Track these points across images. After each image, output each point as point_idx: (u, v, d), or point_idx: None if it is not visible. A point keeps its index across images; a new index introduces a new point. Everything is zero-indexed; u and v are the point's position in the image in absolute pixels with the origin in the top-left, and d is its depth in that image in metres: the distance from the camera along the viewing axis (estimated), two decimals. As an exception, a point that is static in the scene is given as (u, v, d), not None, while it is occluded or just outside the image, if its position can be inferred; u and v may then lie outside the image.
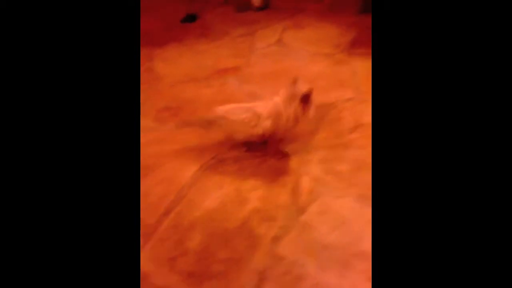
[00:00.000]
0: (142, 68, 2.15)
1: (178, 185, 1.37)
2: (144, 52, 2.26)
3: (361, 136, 1.52)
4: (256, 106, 1.43)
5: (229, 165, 1.45)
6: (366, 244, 1.11)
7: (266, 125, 1.40)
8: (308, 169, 1.40)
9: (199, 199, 1.31)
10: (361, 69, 1.97)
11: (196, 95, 1.90)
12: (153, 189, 1.36)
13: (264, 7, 2.93)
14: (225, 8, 3.01)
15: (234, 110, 1.44)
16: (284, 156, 1.48)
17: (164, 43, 2.48)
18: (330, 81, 1.90)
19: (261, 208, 1.26)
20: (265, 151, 1.49)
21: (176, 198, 1.32)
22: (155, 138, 1.63)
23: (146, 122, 1.73)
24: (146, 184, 1.38)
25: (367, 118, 1.61)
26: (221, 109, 1.45)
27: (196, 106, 1.82)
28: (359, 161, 1.41)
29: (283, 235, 1.17)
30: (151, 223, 1.24)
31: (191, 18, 2.84)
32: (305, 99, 1.35)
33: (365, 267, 1.05)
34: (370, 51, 2.14)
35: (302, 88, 1.36)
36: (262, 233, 1.17)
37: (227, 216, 1.24)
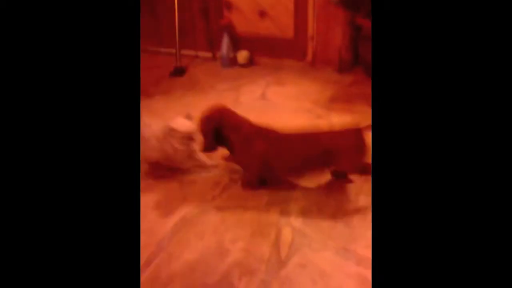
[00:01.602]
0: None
1: (158, 236, 1.36)
2: (132, 103, 2.33)
3: (340, 187, 1.58)
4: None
5: (211, 215, 1.46)
6: (346, 298, 1.12)
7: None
8: (289, 220, 1.42)
9: (179, 251, 1.30)
10: (338, 123, 2.08)
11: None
12: (133, 241, 1.35)
13: (248, 64, 3.13)
14: (212, 64, 3.19)
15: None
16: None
17: (153, 95, 2.57)
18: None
19: (242, 260, 1.25)
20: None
21: (156, 250, 1.30)
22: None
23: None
24: (126, 235, 1.37)
25: (346, 170, 1.68)
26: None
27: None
28: (339, 213, 1.45)
29: (263, 289, 1.16)
30: (129, 276, 1.21)
31: (179, 72, 2.99)
32: (189, 137, 1.54)
33: (345, 322, 1.04)
34: (347, 106, 2.29)
35: (186, 125, 1.57)
36: (242, 287, 1.16)
37: (207, 268, 1.23)
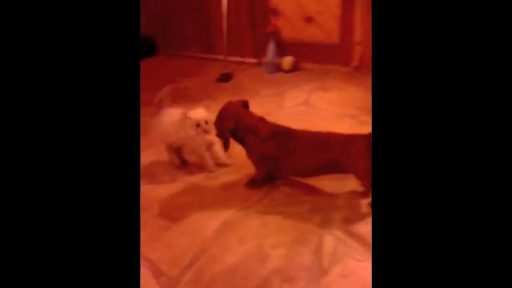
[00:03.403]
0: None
1: (202, 238, 1.41)
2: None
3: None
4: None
5: (252, 219, 1.48)
6: (390, 313, 1.07)
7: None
8: (331, 229, 1.40)
9: (221, 254, 1.33)
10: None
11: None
12: (177, 241, 1.40)
13: (293, 70, 3.13)
14: (257, 70, 3.23)
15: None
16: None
17: (200, 99, 2.67)
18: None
19: (283, 267, 1.25)
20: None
21: (199, 251, 1.35)
22: (182, 189, 1.71)
23: (174, 172, 1.83)
24: (171, 236, 1.43)
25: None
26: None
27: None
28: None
29: (303, 297, 1.14)
30: (173, 275, 1.26)
31: (226, 78, 3.07)
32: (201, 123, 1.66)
33: None
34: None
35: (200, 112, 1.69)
36: (282, 293, 1.16)
37: (247, 273, 1.24)
